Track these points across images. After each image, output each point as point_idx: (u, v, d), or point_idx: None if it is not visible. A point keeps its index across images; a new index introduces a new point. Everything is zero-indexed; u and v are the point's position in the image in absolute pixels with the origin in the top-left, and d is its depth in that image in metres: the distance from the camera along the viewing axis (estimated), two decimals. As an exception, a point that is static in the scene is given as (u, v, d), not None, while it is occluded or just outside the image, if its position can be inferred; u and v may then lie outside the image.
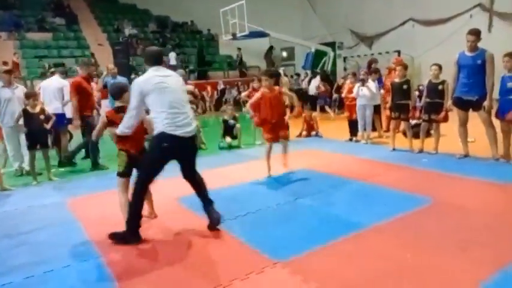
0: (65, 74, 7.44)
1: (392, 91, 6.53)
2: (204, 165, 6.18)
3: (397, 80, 6.45)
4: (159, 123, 3.38)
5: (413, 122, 6.71)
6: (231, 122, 7.77)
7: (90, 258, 3.22)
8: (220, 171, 5.90)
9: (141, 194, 3.50)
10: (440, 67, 6.01)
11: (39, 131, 5.68)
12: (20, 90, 6.09)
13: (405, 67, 6.50)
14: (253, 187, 4.96)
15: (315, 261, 2.98)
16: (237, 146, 7.79)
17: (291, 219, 3.87)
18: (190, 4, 18.81)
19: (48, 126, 5.80)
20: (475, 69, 5.35)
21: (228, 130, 7.78)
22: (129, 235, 3.45)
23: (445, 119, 6.01)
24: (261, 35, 14.31)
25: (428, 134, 6.52)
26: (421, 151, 6.23)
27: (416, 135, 6.55)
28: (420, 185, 4.61)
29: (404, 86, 6.28)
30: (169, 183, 4.99)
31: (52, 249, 3.44)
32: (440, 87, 5.95)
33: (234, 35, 13.97)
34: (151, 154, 3.54)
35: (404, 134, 7.00)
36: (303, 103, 9.78)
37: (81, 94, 6.36)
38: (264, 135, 5.37)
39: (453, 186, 4.56)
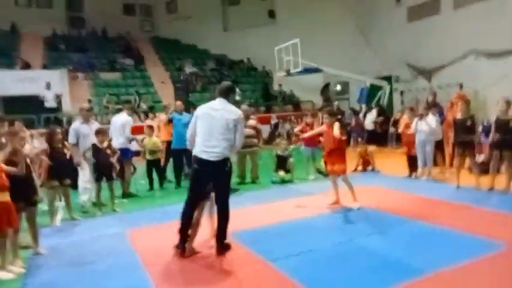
0: (132, 110, 7.93)
1: (455, 128, 6.22)
2: (255, 200, 6.31)
3: (459, 116, 6.15)
4: (195, 147, 3.98)
5: (480, 158, 6.28)
6: (285, 154, 7.81)
7: (146, 290, 3.32)
8: (272, 206, 5.89)
9: (187, 211, 4.08)
10: (508, 103, 5.64)
11: (105, 165, 6.11)
12: (95, 126, 6.63)
13: (467, 102, 6.19)
14: (305, 224, 4.86)
15: (371, 308, 2.82)
16: (290, 180, 7.76)
17: (346, 261, 3.72)
18: (246, 43, 19.64)
19: (113, 159, 6.23)
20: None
21: (281, 164, 7.81)
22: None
23: None
24: (315, 70, 14.46)
25: (497, 172, 6.03)
26: (491, 189, 5.76)
27: (483, 172, 6.10)
28: (490, 228, 4.24)
29: (468, 122, 5.96)
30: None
31: (110, 280, 3.59)
32: (511, 124, 5.56)
33: (287, 71, 14.26)
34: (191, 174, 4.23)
35: (470, 170, 6.58)
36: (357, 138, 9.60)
37: None
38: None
39: (529, 231, 4.14)
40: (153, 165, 7.72)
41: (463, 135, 5.99)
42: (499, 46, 12.48)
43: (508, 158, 5.66)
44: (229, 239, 4.47)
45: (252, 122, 7.85)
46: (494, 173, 5.88)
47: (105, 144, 6.21)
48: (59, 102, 14.30)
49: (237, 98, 17.10)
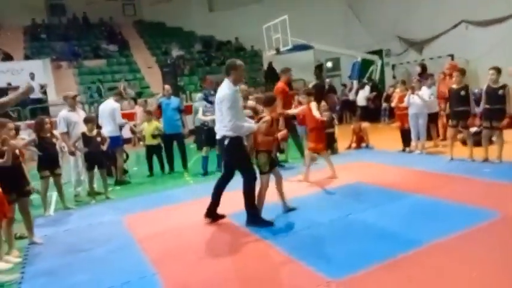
0: (120, 96, 7.69)
1: (449, 98, 6.19)
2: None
3: (454, 86, 6.11)
4: None
5: (473, 129, 6.29)
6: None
7: (146, 274, 3.29)
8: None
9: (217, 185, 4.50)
10: (498, 70, 5.61)
11: (97, 153, 6.00)
12: (83, 114, 6.49)
13: (463, 73, 6.14)
14: (302, 202, 4.84)
15: (371, 280, 2.83)
16: (284, 160, 7.73)
17: (345, 235, 3.72)
18: (233, 23, 19.25)
19: (104, 147, 6.12)
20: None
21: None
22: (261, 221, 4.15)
23: (510, 125, 5.56)
24: (305, 47, 14.27)
25: (490, 142, 6.06)
26: (485, 160, 5.79)
27: (476, 144, 6.11)
28: (485, 198, 4.27)
29: (462, 93, 5.92)
30: (222, 200, 5.07)
31: (110, 265, 3.56)
32: (500, 92, 5.55)
33: (277, 49, 14.06)
34: None
35: (463, 142, 6.59)
36: (351, 114, 9.55)
37: None
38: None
39: (524, 198, 4.18)
40: (154, 151, 7.57)
41: (458, 105, 5.96)
42: (490, 15, 12.40)
43: (498, 128, 5.66)
44: (226, 221, 4.46)
45: (251, 102, 7.70)
46: (487, 144, 5.90)
47: (95, 132, 6.08)
48: (44, 93, 13.98)
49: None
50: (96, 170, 6.07)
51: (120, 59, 18.45)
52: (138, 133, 7.53)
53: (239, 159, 4.24)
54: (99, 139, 6.07)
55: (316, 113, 5.57)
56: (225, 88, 4.10)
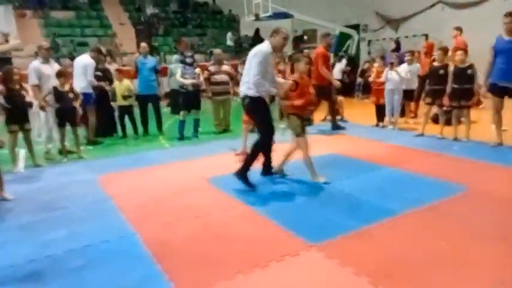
0: (97, 52, 7.29)
1: (429, 76, 6.36)
2: (233, 146, 6.27)
3: (436, 64, 6.26)
4: None
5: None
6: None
7: (126, 234, 3.28)
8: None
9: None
10: (466, 51, 5.83)
11: (68, 109, 5.76)
12: (56, 67, 6.14)
13: (445, 51, 6.30)
14: (284, 169, 4.91)
15: (349, 245, 2.96)
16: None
17: (323, 203, 3.84)
18: (212, -17, 18.54)
19: (76, 104, 5.88)
20: (514, 54, 5.14)
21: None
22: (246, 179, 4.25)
23: (478, 103, 5.82)
24: (285, 16, 14.01)
25: (459, 122, 6.34)
26: (455, 139, 6.06)
27: (447, 122, 6.38)
28: (454, 173, 4.51)
29: (441, 71, 6.08)
30: (197, 164, 5.05)
31: (87, 223, 3.52)
32: (469, 71, 5.76)
33: (257, 15, 13.72)
34: None
35: (435, 120, 6.84)
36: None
37: None
38: None
39: (489, 175, 4.45)
40: (126, 111, 7.32)
41: (436, 83, 6.13)
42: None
43: (468, 106, 5.92)
44: (205, 185, 4.47)
45: (225, 67, 7.57)
46: (456, 123, 6.16)
47: (67, 87, 5.81)
48: (6, 41, 13.03)
49: (229, 43, 16.83)
50: (68, 127, 5.85)
51: (90, 13, 17.43)
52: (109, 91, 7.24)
53: (257, 118, 4.35)
54: (71, 95, 5.81)
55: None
56: (263, 45, 4.16)
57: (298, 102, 4.30)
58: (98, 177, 4.89)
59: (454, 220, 3.32)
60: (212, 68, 7.43)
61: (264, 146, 4.35)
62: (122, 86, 7.24)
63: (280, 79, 4.67)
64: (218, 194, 4.18)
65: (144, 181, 4.72)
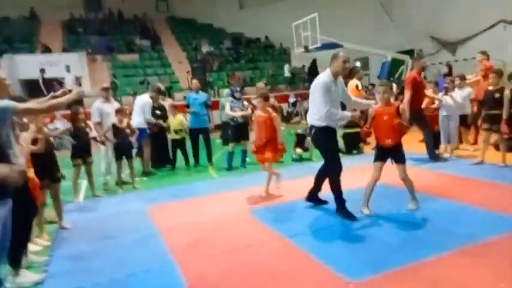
0: (158, 92, 7.87)
1: (484, 100, 5.96)
2: (275, 177, 6.27)
3: (490, 87, 5.87)
4: None
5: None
6: (304, 133, 7.71)
7: (167, 264, 3.38)
8: (291, 183, 5.86)
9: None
10: (498, 74, 5.38)
11: (125, 144, 6.19)
12: (116, 105, 6.70)
13: (499, 74, 5.90)
14: (328, 199, 4.80)
15: (391, 284, 2.78)
16: (308, 158, 7.70)
17: (368, 236, 3.67)
18: (263, 20, 19.30)
19: (132, 139, 6.31)
20: None
21: (300, 142, 7.76)
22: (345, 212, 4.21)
23: None
24: (334, 46, 14.08)
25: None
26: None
27: (509, 149, 5.86)
28: (516, 205, 4.09)
29: (497, 95, 5.68)
30: (242, 195, 5.11)
31: (133, 253, 3.68)
32: None
33: (306, 47, 13.96)
34: None
35: (496, 147, 6.33)
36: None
37: None
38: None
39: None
40: (178, 144, 7.68)
41: (492, 108, 5.73)
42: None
43: None
44: (248, 216, 4.49)
45: (272, 100, 7.72)
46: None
47: (125, 123, 6.27)
48: (79, 84, 14.50)
49: (286, 73, 17.59)
50: (124, 160, 6.26)
51: (152, 54, 18.91)
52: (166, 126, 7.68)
53: (323, 148, 4.36)
54: (128, 131, 6.26)
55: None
56: (321, 76, 4.18)
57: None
58: (148, 208, 5.13)
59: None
60: (255, 102, 7.60)
61: (333, 175, 4.26)
62: (176, 121, 7.65)
63: (359, 99, 4.72)
64: (259, 226, 4.17)
65: (189, 212, 4.86)
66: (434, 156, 6.65)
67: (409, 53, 14.67)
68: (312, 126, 4.26)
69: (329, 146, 4.28)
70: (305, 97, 16.05)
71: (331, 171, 4.29)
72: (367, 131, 4.37)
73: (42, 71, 14.21)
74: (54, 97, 3.47)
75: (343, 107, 4.48)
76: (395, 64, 13.69)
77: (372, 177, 4.24)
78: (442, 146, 7.00)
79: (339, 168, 4.24)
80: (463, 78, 7.14)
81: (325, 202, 4.61)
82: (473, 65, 11.74)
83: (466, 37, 13.71)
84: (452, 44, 14.19)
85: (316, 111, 4.13)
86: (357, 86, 7.60)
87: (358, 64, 17.55)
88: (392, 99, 4.42)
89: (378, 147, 4.30)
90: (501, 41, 12.38)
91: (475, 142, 7.56)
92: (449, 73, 8.59)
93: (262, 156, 5.22)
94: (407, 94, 6.58)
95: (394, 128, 4.11)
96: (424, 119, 6.75)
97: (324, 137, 4.22)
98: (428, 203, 4.45)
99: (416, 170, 6.10)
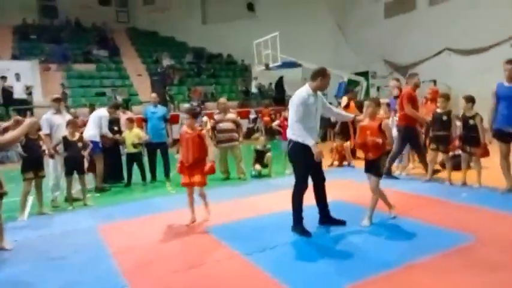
0: (115, 109, 7.72)
1: (432, 122, 6.32)
2: (233, 194, 6.26)
3: (438, 110, 6.26)
4: None
5: (451, 153, 6.42)
6: (264, 149, 7.76)
7: (117, 286, 3.23)
8: (250, 200, 5.87)
9: None
10: (470, 100, 5.78)
11: (76, 158, 5.92)
12: (68, 117, 6.42)
13: (447, 98, 6.31)
14: (282, 218, 4.81)
15: (345, 300, 2.83)
16: (267, 174, 7.75)
17: (321, 253, 3.73)
18: (225, 36, 19.47)
19: (85, 153, 6.05)
20: (516, 100, 5.10)
21: (259, 158, 7.78)
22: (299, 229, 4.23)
23: (484, 154, 5.70)
24: (294, 65, 14.49)
25: (469, 166, 6.20)
26: (464, 184, 5.91)
27: (456, 167, 6.25)
28: (461, 221, 4.33)
29: (444, 117, 6.06)
30: (199, 213, 5.02)
31: (81, 275, 3.48)
32: (471, 122, 5.69)
33: (266, 65, 14.24)
34: None
35: (443, 165, 6.71)
36: (335, 133, 9.60)
37: None
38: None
39: (498, 224, 4.26)
40: (134, 159, 7.44)
41: (439, 129, 6.10)
42: (472, 44, 12.84)
43: (475, 154, 5.81)
44: (204, 234, 4.42)
45: (231, 115, 7.71)
46: (465, 168, 6.03)
47: (77, 136, 6.01)
48: (29, 94, 13.79)
49: (253, 89, 17.70)
50: (75, 175, 5.98)
51: (110, 65, 18.41)
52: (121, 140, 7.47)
53: (296, 164, 4.34)
54: (80, 144, 6.00)
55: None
56: (299, 91, 4.23)
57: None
58: (100, 226, 4.90)
59: (459, 273, 3.15)
60: (217, 117, 7.59)
61: (299, 192, 4.26)
62: (132, 134, 7.44)
63: (341, 111, 4.88)
64: (215, 244, 4.11)
65: (143, 230, 4.70)
66: (388, 172, 6.91)
67: (364, 74, 15.39)
68: (290, 141, 4.29)
69: (301, 162, 4.28)
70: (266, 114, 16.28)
71: (297, 187, 4.29)
72: (359, 144, 4.55)
73: (3, 78, 13.36)
74: (5, 129, 3.30)
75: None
76: (351, 84, 14.28)
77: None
78: (395, 164, 7.31)
79: (305, 186, 4.28)
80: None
81: (343, 223, 4.49)
82: (422, 88, 12.53)
83: (416, 61, 14.61)
84: (404, 68, 15.04)
85: (291, 123, 4.22)
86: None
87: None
88: (382, 112, 4.56)
89: (365, 159, 4.51)
90: (447, 67, 13.31)
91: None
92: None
93: (188, 180, 4.72)
94: (407, 107, 6.51)
95: (373, 143, 4.27)
96: (417, 137, 6.77)
97: (298, 152, 4.21)
98: (378, 219, 4.61)
99: (367, 187, 6.32)
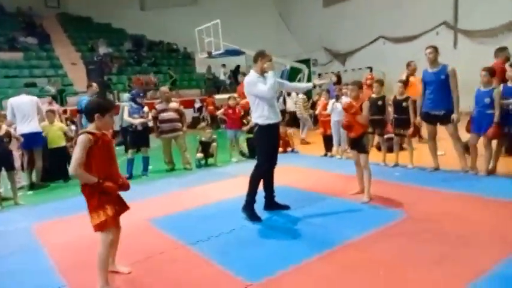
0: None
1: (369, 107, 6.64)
2: (180, 184, 6.17)
3: (374, 95, 6.59)
4: None
5: (386, 136, 6.83)
6: (209, 140, 7.69)
7: (54, 286, 3.06)
8: (196, 190, 5.83)
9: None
10: (405, 83, 6.19)
11: (4, 154, 5.47)
12: None
13: (381, 83, 6.65)
14: (227, 206, 4.86)
15: (288, 281, 2.92)
16: (213, 164, 7.71)
17: (265, 238, 3.82)
18: (166, 24, 18.85)
19: (14, 147, 5.61)
20: (439, 84, 5.51)
21: (205, 149, 7.70)
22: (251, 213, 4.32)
23: (414, 134, 6.15)
24: (237, 52, 14.44)
25: (401, 148, 6.64)
26: (396, 165, 6.32)
27: (390, 150, 6.66)
28: (393, 199, 4.65)
29: (379, 102, 6.40)
30: (141, 206, 4.89)
31: (16, 277, 3.27)
32: (404, 104, 6.10)
33: (209, 53, 14.04)
34: None
35: (378, 148, 7.12)
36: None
37: None
38: None
39: (425, 200, 4.62)
40: (60, 154, 6.91)
41: (375, 113, 6.43)
42: (404, 32, 13.63)
43: (406, 136, 6.24)
44: (147, 227, 4.32)
45: (174, 104, 7.53)
46: (398, 150, 6.45)
47: (3, 131, 5.54)
48: None
49: (222, 76, 17.24)
50: (3, 172, 5.53)
51: (40, 53, 17.06)
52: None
53: (261, 146, 4.40)
54: (7, 139, 5.54)
55: None
56: (248, 77, 4.35)
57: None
58: (33, 225, 4.60)
59: (392, 247, 3.38)
60: (159, 106, 7.38)
61: (259, 174, 4.38)
62: (55, 128, 6.96)
63: (296, 83, 4.94)
64: (159, 236, 4.04)
65: (82, 227, 4.42)
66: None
67: (306, 62, 15.76)
68: (255, 124, 4.38)
69: (266, 143, 4.38)
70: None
71: (257, 170, 4.38)
72: (346, 124, 4.74)
73: None
74: None
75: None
76: (294, 72, 14.57)
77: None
78: (334, 148, 7.64)
79: (267, 166, 4.42)
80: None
81: (286, 207, 4.60)
82: (359, 74, 13.15)
83: (353, 50, 15.23)
84: (342, 55, 15.63)
85: (255, 108, 4.29)
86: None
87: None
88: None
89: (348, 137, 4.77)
90: (381, 54, 14.03)
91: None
92: (338, 82, 9.43)
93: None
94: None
95: (353, 122, 4.61)
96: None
97: (264, 134, 4.31)
98: (320, 201, 4.82)
99: (310, 171, 6.57)
